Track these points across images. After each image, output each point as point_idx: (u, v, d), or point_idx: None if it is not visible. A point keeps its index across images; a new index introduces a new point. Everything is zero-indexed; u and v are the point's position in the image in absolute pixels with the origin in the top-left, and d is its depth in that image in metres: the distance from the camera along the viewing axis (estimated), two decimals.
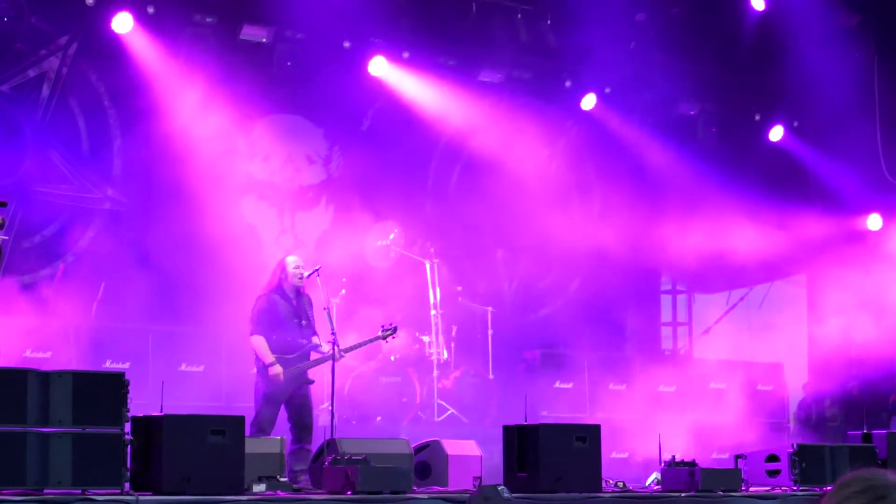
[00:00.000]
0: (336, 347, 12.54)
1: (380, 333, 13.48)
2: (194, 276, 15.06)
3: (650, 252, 18.14)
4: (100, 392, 8.96)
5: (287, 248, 16.49)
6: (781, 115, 19.11)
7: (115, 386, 8.99)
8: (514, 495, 9.38)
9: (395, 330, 13.42)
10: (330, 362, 12.47)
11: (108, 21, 14.99)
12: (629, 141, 18.33)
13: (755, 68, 18.35)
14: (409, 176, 17.28)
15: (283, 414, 12.69)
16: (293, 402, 12.80)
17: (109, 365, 13.66)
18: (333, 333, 12.69)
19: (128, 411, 8.99)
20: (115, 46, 15.22)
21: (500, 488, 6.88)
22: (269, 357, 12.43)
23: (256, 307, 12.62)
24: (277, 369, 12.43)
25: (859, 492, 3.06)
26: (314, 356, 12.80)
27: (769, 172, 19.04)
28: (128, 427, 9.05)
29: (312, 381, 12.84)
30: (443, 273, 15.97)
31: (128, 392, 8.97)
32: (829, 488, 3.19)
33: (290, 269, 12.71)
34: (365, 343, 13.34)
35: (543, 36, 17.40)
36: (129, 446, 9.02)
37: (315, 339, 12.73)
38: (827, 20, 17.76)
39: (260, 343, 12.56)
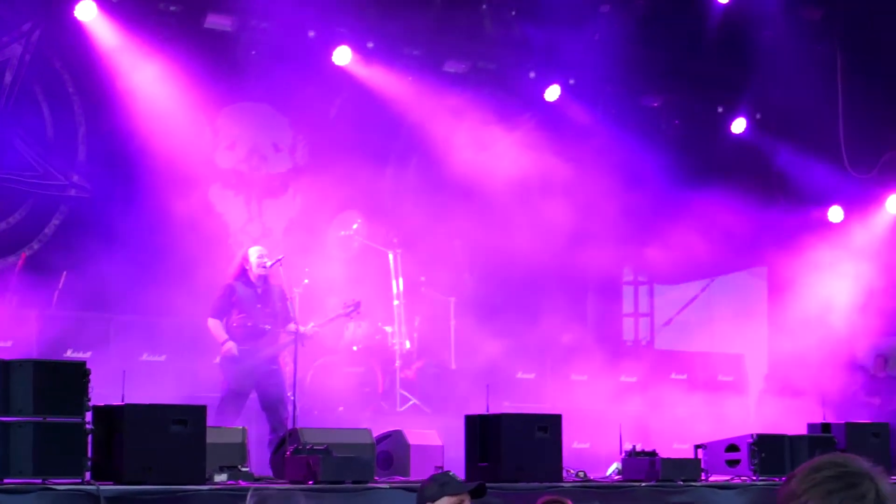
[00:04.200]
0: (298, 336, 12.64)
1: (341, 310, 13.68)
2: (158, 265, 15.03)
3: (612, 243, 18.19)
4: (61, 381, 8.95)
5: (255, 236, 16.48)
6: (744, 108, 19.18)
7: (76, 375, 8.98)
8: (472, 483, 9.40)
9: (357, 305, 13.64)
10: (294, 351, 12.57)
11: (72, 8, 14.93)
12: (593, 132, 18.36)
13: (719, 60, 18.42)
14: (372, 165, 17.28)
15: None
16: (263, 392, 12.90)
17: (70, 354, 13.61)
18: (295, 322, 12.81)
19: (89, 401, 8.98)
20: (78, 34, 15.16)
21: (451, 474, 6.88)
22: (221, 336, 12.72)
23: (216, 293, 12.98)
24: (230, 345, 12.67)
25: (832, 477, 3.02)
26: (282, 340, 12.96)
27: (731, 164, 19.12)
28: (89, 416, 9.03)
29: (276, 367, 12.95)
30: (406, 263, 15.99)
31: (89, 381, 8.96)
32: (793, 472, 3.15)
33: (253, 259, 13.04)
34: (329, 321, 13.59)
35: (508, 27, 17.42)
36: (90, 436, 9.01)
37: (291, 326, 12.85)
38: (791, 14, 17.83)
39: (213, 324, 12.89)
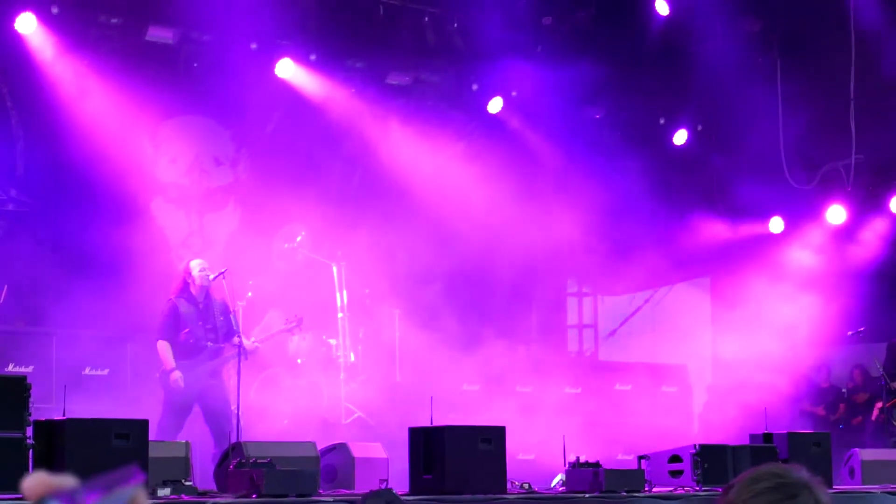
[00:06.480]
0: (241, 350, 12.59)
1: (283, 326, 13.65)
2: (100, 279, 14.92)
3: (556, 255, 18.24)
4: (1, 396, 8.88)
5: (196, 250, 16.39)
6: (686, 119, 19.30)
7: (17, 390, 8.92)
8: (417, 497, 9.43)
9: (300, 321, 13.61)
10: (237, 364, 12.53)
11: (12, 21, 14.82)
12: (535, 144, 18.42)
13: (660, 72, 18.52)
14: (315, 178, 17.25)
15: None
16: (206, 405, 12.85)
17: (12, 368, 13.51)
18: (238, 336, 12.77)
19: (30, 415, 8.91)
20: (18, 47, 15.05)
21: (393, 492, 6.86)
22: (169, 363, 12.62)
23: (161, 312, 12.88)
24: (177, 375, 12.58)
25: (771, 488, 3.04)
26: (225, 354, 12.90)
27: (673, 175, 19.24)
28: (30, 431, 8.96)
29: (219, 380, 12.90)
30: (350, 275, 15.97)
31: (30, 396, 8.89)
32: (732, 483, 3.18)
33: (195, 272, 12.97)
34: (271, 336, 13.57)
35: (450, 39, 17.45)
36: (31, 451, 8.94)
37: (235, 340, 12.80)
38: (731, 26, 17.97)
39: (162, 348, 12.76)
